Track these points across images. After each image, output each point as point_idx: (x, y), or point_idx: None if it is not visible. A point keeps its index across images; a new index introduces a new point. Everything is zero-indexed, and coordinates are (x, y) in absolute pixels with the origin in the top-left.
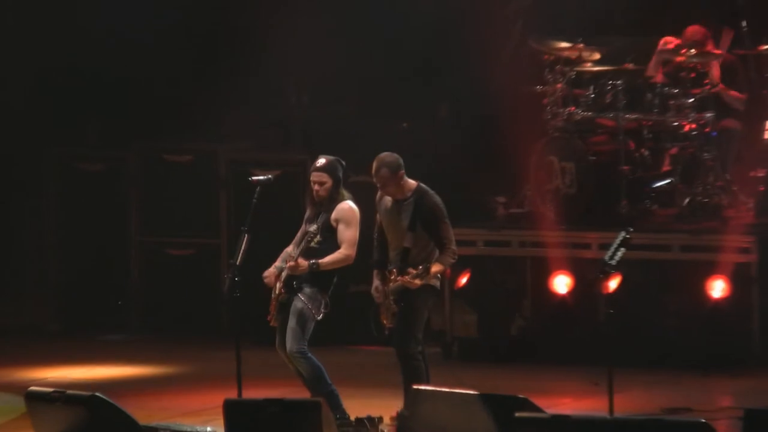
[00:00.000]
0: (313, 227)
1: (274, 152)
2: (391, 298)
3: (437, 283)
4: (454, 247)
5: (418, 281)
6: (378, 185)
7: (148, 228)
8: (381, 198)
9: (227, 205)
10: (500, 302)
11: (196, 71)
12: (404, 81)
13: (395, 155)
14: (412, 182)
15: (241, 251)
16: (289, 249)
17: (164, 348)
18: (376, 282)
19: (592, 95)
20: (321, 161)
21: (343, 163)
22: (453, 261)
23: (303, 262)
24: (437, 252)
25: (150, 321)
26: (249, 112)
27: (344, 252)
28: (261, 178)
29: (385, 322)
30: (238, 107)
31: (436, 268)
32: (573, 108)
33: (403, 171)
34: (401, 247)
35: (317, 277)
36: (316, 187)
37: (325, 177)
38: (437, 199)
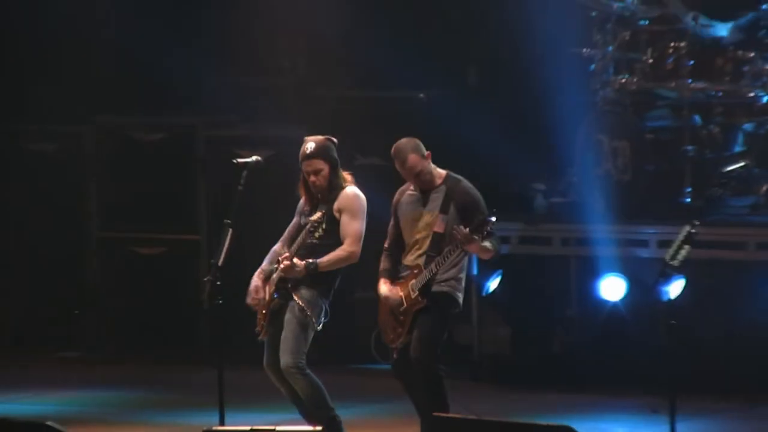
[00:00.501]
0: (316, 215)
1: (265, 128)
2: (417, 294)
3: (460, 297)
4: (498, 238)
5: (477, 239)
6: (410, 177)
7: (110, 221)
8: (400, 197)
9: (207, 194)
10: (539, 312)
11: (168, 29)
12: (422, 41)
13: (414, 138)
14: (440, 170)
15: (225, 250)
16: (278, 247)
17: (131, 367)
18: (385, 287)
19: (650, 60)
20: (310, 146)
21: (335, 141)
22: (499, 250)
23: (299, 262)
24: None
25: (114, 334)
26: (234, 79)
27: (348, 249)
28: (248, 160)
29: (391, 342)
30: (220, 74)
31: (488, 243)
32: (627, 76)
33: (429, 152)
34: (431, 236)
35: (316, 279)
36: (311, 177)
37: (320, 163)
38: (474, 188)
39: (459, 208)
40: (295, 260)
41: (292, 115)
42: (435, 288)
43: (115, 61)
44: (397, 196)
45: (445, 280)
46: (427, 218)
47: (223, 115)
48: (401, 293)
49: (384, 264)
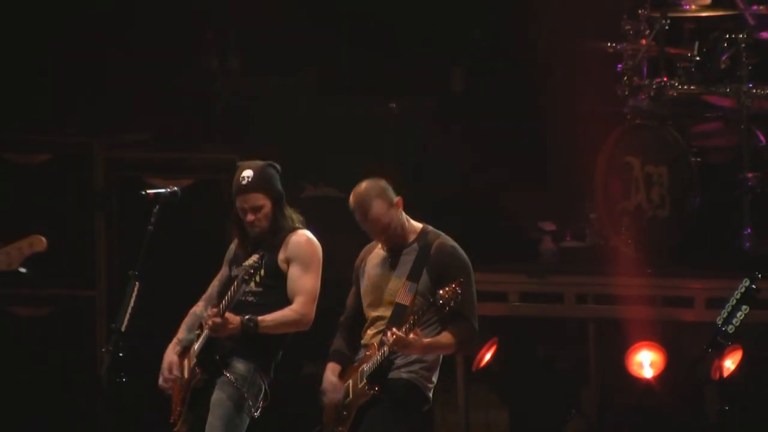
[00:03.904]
0: (252, 258)
1: (184, 149)
2: (364, 383)
3: (429, 388)
4: (476, 323)
5: (415, 341)
6: (375, 233)
7: None
8: (365, 258)
9: (107, 234)
10: (546, 391)
11: (55, 22)
12: (394, 35)
13: (380, 180)
14: (415, 223)
15: (129, 310)
16: (199, 309)
17: None
18: (330, 376)
19: (697, 57)
20: (247, 174)
21: (278, 167)
22: (472, 341)
23: (233, 317)
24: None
25: None
26: (144, 85)
27: (299, 309)
28: (162, 191)
29: None
30: (125, 78)
31: (445, 338)
32: (666, 78)
33: (400, 198)
34: (392, 306)
35: (254, 348)
36: (249, 217)
37: (260, 198)
38: (457, 246)
39: (434, 274)
40: (228, 315)
41: (221, 133)
42: (392, 375)
43: None
44: (361, 255)
45: (407, 365)
46: (394, 287)
47: (127, 131)
48: (349, 381)
49: (336, 343)
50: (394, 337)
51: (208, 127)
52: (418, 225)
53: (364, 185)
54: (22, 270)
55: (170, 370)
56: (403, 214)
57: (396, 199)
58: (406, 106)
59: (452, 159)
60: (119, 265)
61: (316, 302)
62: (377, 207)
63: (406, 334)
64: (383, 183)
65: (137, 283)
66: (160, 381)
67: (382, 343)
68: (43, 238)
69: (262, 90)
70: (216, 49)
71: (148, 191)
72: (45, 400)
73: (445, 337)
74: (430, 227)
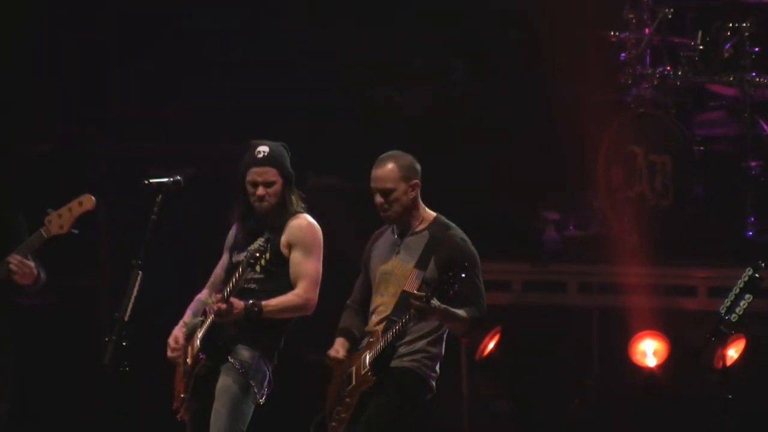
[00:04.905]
0: (257, 242)
1: (186, 139)
2: (367, 369)
3: (432, 377)
4: (485, 308)
5: (436, 308)
6: (376, 198)
7: None
8: (374, 243)
9: (109, 224)
10: (549, 380)
11: (57, 15)
12: (395, 23)
13: (410, 157)
14: (429, 212)
15: (132, 299)
16: (203, 296)
17: None
18: (339, 349)
19: (701, 46)
20: (263, 149)
21: (289, 150)
22: (482, 322)
23: (238, 302)
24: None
25: None
26: (144, 74)
27: (303, 294)
28: (164, 180)
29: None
30: (126, 67)
31: (461, 311)
32: (669, 67)
33: (418, 182)
34: (398, 295)
35: (259, 334)
36: (259, 190)
37: (273, 173)
38: (467, 239)
39: (441, 264)
40: (233, 300)
41: (222, 123)
42: (395, 363)
43: None
44: (371, 240)
45: (410, 353)
46: (401, 274)
47: (130, 122)
48: (353, 367)
49: (344, 321)
50: (419, 306)
51: (209, 118)
52: (432, 214)
53: (395, 151)
54: (75, 231)
55: (176, 341)
56: (419, 199)
57: (414, 180)
58: (407, 96)
59: (454, 149)
60: (122, 254)
61: (318, 286)
62: (390, 170)
63: (426, 302)
64: (411, 159)
65: (140, 272)
66: (168, 353)
67: (385, 330)
68: (92, 197)
69: (263, 80)
70: (217, 40)
71: (151, 180)
72: (48, 390)
73: (462, 311)
74: (442, 217)
